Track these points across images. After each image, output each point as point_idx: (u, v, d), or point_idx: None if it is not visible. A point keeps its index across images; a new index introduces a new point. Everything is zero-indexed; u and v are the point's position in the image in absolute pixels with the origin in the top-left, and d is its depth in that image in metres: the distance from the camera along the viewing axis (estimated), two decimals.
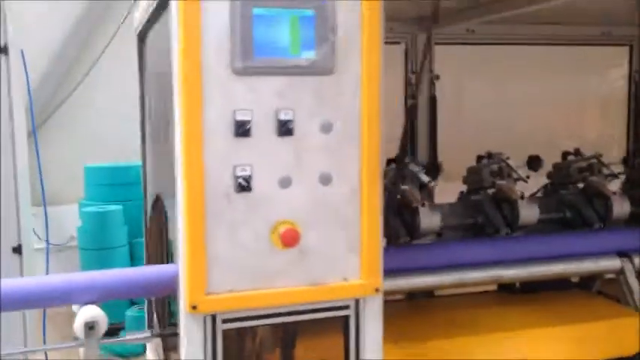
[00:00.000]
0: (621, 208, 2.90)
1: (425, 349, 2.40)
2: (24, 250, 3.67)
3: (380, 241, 1.94)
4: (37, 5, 5.73)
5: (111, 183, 6.23)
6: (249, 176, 1.78)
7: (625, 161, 3.02)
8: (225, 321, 1.84)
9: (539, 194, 3.22)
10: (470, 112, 3.83)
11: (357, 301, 1.95)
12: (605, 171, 2.96)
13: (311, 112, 1.83)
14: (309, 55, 1.81)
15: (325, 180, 1.86)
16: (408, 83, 3.53)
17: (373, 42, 1.85)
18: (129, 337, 2.26)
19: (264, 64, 1.77)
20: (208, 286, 1.78)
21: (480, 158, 3.06)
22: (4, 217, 3.59)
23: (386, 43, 3.69)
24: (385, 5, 3.05)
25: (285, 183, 1.83)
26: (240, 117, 1.75)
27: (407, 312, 2.95)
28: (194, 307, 1.77)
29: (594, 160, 2.98)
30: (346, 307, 1.95)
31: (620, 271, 2.86)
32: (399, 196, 2.71)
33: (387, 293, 2.34)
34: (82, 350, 2.09)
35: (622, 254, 2.87)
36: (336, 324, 1.97)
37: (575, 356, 2.55)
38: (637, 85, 3.96)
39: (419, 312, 2.95)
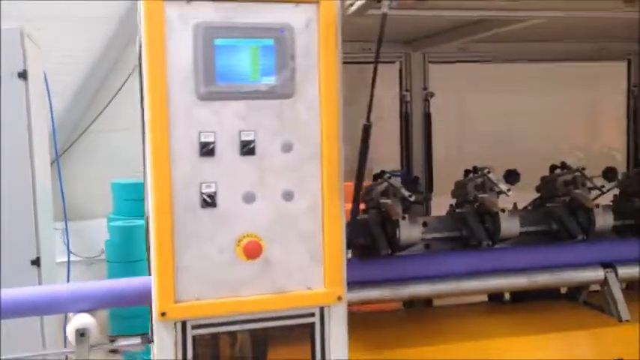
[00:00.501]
0: (604, 220, 2.94)
1: (406, 355, 2.48)
2: (42, 262, 3.89)
3: (342, 252, 2.05)
4: (64, 29, 6.02)
5: (137, 198, 6.45)
6: (214, 193, 1.92)
7: (605, 175, 3.04)
8: (195, 327, 1.98)
9: (530, 207, 3.29)
10: (466, 129, 3.92)
11: (321, 309, 2.07)
12: (589, 184, 3.00)
13: (272, 133, 1.97)
14: (269, 81, 1.94)
15: (287, 196, 1.99)
16: (402, 101, 3.66)
17: (330, 67, 1.98)
18: (121, 343, 2.42)
19: (226, 89, 1.91)
20: (177, 295, 1.92)
21: (467, 172, 3.14)
22: (27, 232, 3.82)
23: (381, 62, 3.84)
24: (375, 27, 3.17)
25: (249, 199, 1.96)
26: (204, 138, 1.90)
27: (397, 320, 3.04)
28: (163, 314, 1.91)
29: (578, 174, 3.03)
30: (311, 315, 2.07)
31: (604, 282, 2.90)
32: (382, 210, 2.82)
33: (352, 304, 2.48)
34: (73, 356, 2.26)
35: (606, 265, 2.92)
36: (304, 331, 2.09)
37: None
38: (635, 99, 3.98)
39: (409, 321, 3.04)
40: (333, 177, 2.00)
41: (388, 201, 2.80)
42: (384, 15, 1.81)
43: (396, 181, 2.81)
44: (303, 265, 2.02)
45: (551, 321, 2.88)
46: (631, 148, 4.03)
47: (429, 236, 3.01)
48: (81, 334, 2.26)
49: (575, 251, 2.96)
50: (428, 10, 2.03)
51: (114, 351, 2.45)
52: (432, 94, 3.64)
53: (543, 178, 3.26)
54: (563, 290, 3.18)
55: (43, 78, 4.23)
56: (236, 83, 1.92)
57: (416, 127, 3.65)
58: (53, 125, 4.39)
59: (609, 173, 2.99)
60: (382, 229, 2.84)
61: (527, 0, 2.31)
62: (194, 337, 1.97)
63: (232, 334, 2.04)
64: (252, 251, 1.94)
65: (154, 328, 1.94)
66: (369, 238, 2.89)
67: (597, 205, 2.96)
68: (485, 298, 3.28)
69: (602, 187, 2.97)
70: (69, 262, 4.38)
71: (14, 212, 3.68)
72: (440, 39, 3.33)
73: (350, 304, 2.61)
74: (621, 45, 3.93)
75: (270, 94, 1.94)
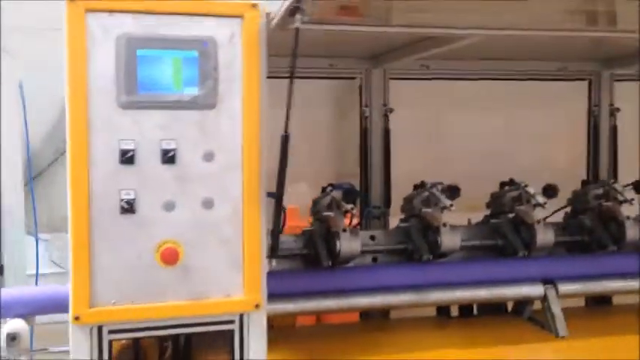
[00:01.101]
0: (545, 236, 2.96)
1: None
2: (12, 272, 4.00)
3: (261, 260, 2.08)
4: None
5: None
6: (133, 200, 1.95)
7: (545, 191, 3.05)
8: (111, 332, 2.01)
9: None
10: (425, 145, 3.95)
11: (241, 316, 2.10)
12: (540, 200, 3.02)
13: (194, 143, 2.00)
14: (191, 92, 1.98)
15: (208, 204, 2.02)
16: (362, 116, 3.69)
17: (253, 80, 2.01)
18: (53, 349, 2.45)
19: (148, 99, 1.95)
20: (92, 299, 1.95)
21: (415, 187, 3.17)
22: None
23: (341, 78, 3.86)
24: (334, 43, 3.19)
25: (169, 206, 1.99)
26: (124, 146, 1.93)
27: (343, 332, 3.05)
28: (77, 318, 1.94)
29: (522, 191, 3.06)
30: (231, 322, 2.10)
31: (544, 298, 2.91)
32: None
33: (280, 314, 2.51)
34: None
35: (547, 281, 2.94)
36: (225, 337, 2.12)
37: None
38: (595, 119, 4.01)
39: (352, 333, 3.05)
40: (253, 186, 2.03)
41: (331, 213, 2.83)
42: (297, 30, 1.84)
43: (338, 194, 2.84)
44: (222, 273, 2.04)
45: (488, 336, 2.89)
46: (591, 167, 4.07)
47: (375, 249, 3.06)
48: (12, 338, 2.29)
49: (516, 267, 2.98)
50: (341, 26, 2.06)
51: None
52: (390, 110, 3.68)
53: (493, 195, 3.29)
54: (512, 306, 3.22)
55: (19, 89, 4.30)
56: (158, 93, 1.95)
57: (375, 143, 3.69)
58: (27, 135, 4.43)
59: (549, 190, 3.00)
60: (324, 241, 2.87)
61: (454, 17, 2.36)
62: (110, 342, 2.00)
63: (154, 339, 2.07)
64: (170, 257, 1.97)
65: (70, 332, 1.97)
66: (313, 250, 2.92)
67: (539, 222, 2.99)
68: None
69: (545, 203, 2.99)
70: (37, 272, 4.44)
71: None
72: (396, 55, 3.37)
73: (281, 315, 2.67)
74: (582, 64, 3.97)
75: (192, 104, 1.98)
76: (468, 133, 3.94)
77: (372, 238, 3.07)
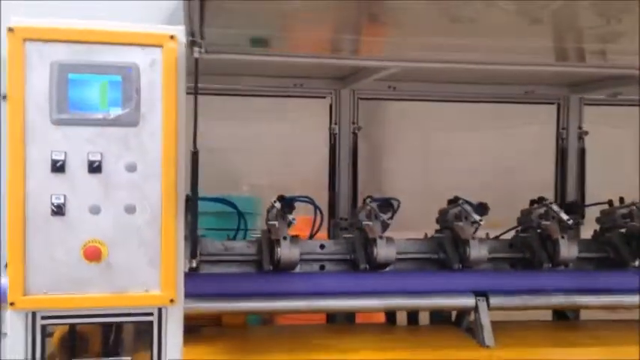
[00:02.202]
0: (479, 252, 3.11)
1: None
2: None
3: (177, 260, 2.32)
4: None
5: None
6: (63, 203, 2.23)
7: (476, 209, 3.19)
8: (44, 318, 2.28)
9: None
10: (391, 162, 4.15)
11: (159, 310, 2.34)
12: (475, 217, 3.17)
13: (118, 155, 2.26)
14: (115, 111, 2.25)
15: (130, 209, 2.28)
16: (331, 134, 3.92)
17: (171, 101, 2.27)
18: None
19: (77, 117, 2.22)
20: (27, 288, 2.22)
21: (363, 201, 3.38)
22: None
23: (312, 97, 4.11)
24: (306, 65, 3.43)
25: (95, 210, 2.26)
26: (55, 157, 2.21)
27: (286, 333, 3.27)
28: (12, 304, 2.22)
29: (462, 208, 3.22)
30: (150, 314, 2.35)
31: (475, 309, 3.06)
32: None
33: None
34: None
35: (479, 293, 3.08)
36: (146, 328, 2.37)
37: None
38: (563, 141, 4.12)
39: (298, 334, 3.25)
40: (170, 194, 2.28)
41: (275, 223, 3.06)
42: (196, 60, 2.09)
43: (277, 204, 3.07)
44: (141, 270, 2.29)
45: (415, 342, 3.06)
46: (559, 188, 4.17)
47: (321, 257, 3.26)
48: None
49: (451, 279, 3.14)
50: (244, 56, 2.30)
51: None
52: (359, 128, 3.90)
53: (440, 211, 3.45)
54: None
55: None
56: (86, 112, 2.23)
57: (343, 159, 3.91)
58: None
59: (480, 208, 3.15)
60: (268, 248, 3.10)
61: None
62: (43, 327, 2.28)
63: (83, 327, 2.34)
64: (93, 255, 2.23)
65: (7, 316, 2.25)
66: (260, 256, 3.16)
67: (474, 238, 3.14)
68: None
69: (481, 220, 3.15)
70: None
71: None
72: (359, 76, 3.60)
73: (208, 312, 2.91)
74: (550, 89, 4.10)
75: (116, 122, 2.25)
76: (429, 151, 4.13)
77: (322, 247, 3.29)
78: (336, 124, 3.88)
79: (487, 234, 3.45)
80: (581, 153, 4.11)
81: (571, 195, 4.12)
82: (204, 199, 2.98)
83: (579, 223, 3.90)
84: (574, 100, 4.12)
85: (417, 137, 4.11)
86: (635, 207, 3.43)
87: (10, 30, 2.17)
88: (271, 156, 4.03)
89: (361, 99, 3.92)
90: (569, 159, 4.12)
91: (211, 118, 3.90)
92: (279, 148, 4.01)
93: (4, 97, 4.02)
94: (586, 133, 4.12)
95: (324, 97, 3.91)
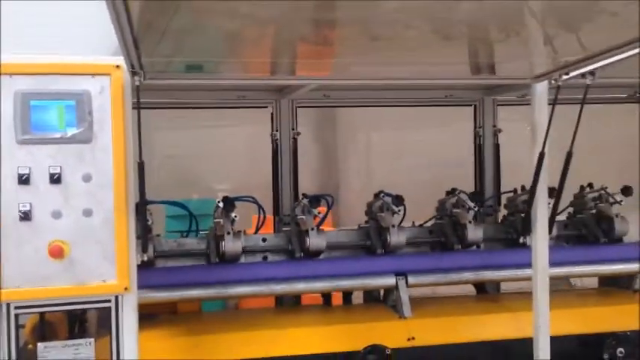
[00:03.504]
0: (398, 238, 3.54)
1: (199, 340, 3.11)
2: None
3: (129, 254, 2.69)
4: None
5: None
6: (29, 210, 2.58)
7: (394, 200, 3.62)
8: (17, 307, 2.64)
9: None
10: (329, 163, 4.56)
11: (116, 297, 2.71)
12: (395, 209, 3.60)
13: (75, 168, 2.62)
14: (72, 131, 2.61)
15: (87, 213, 2.64)
16: (273, 139, 4.31)
17: (119, 121, 2.64)
18: None
19: (39, 136, 2.58)
20: (1, 283, 2.58)
21: (301, 198, 3.78)
22: None
23: (256, 107, 4.49)
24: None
25: (57, 215, 2.62)
26: (21, 171, 2.57)
27: (238, 316, 3.67)
28: None
29: (382, 201, 3.64)
30: (108, 301, 2.72)
31: (396, 287, 3.48)
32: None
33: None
34: None
35: (399, 274, 3.50)
36: (106, 314, 2.74)
37: (337, 348, 3.19)
38: (480, 138, 4.57)
39: (247, 316, 3.65)
40: (121, 200, 2.65)
41: (220, 220, 3.45)
42: (137, 87, 2.47)
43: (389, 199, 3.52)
44: (99, 264, 2.66)
45: (346, 317, 3.48)
46: (477, 179, 4.62)
47: (264, 248, 3.66)
48: None
49: (375, 262, 3.56)
50: (173, 80, 2.68)
51: None
52: (298, 133, 4.29)
53: (368, 204, 3.87)
54: None
55: None
56: (46, 132, 2.59)
57: (285, 161, 4.30)
58: None
59: (397, 200, 3.57)
60: (215, 243, 3.48)
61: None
62: (16, 316, 2.63)
63: (53, 314, 2.70)
64: (56, 253, 2.59)
65: None
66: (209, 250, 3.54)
67: (393, 225, 3.57)
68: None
69: (399, 210, 3.57)
70: None
71: None
72: (294, 88, 3.99)
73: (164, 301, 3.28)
74: (468, 93, 4.54)
75: (72, 140, 2.61)
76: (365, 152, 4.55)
77: (264, 240, 3.68)
78: (277, 130, 4.26)
79: (413, 222, 3.88)
80: (496, 148, 4.56)
81: (488, 185, 4.58)
82: (155, 202, 3.36)
83: (496, 210, 4.38)
84: (488, 101, 4.56)
85: (363, 139, 4.52)
86: (604, 192, 3.86)
87: None
88: (224, 161, 4.41)
89: (299, 107, 4.32)
90: (485, 153, 4.58)
91: (166, 128, 4.28)
92: (228, 154, 4.39)
93: None
94: (500, 130, 4.57)
95: (266, 107, 4.30)
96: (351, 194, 4.22)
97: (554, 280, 3.65)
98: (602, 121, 4.88)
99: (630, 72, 3.42)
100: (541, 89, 3.06)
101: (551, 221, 3.12)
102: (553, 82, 2.86)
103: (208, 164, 4.52)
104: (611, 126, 5.30)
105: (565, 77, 2.77)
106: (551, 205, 3.05)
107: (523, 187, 3.94)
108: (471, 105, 4.61)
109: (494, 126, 4.57)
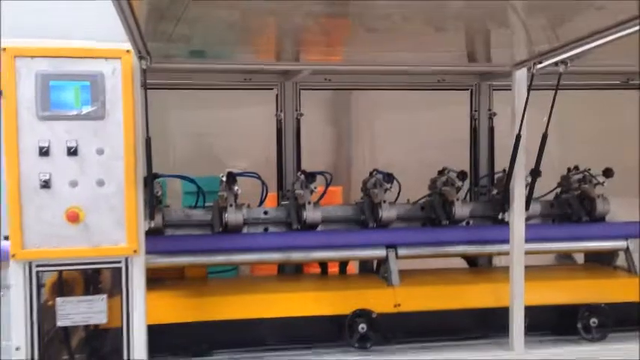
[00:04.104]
0: (389, 213, 3.78)
1: (203, 301, 3.40)
2: None
3: (138, 221, 2.96)
4: None
5: None
6: (49, 179, 2.87)
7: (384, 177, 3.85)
8: (38, 266, 2.93)
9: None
10: (328, 145, 4.81)
11: (126, 259, 3.00)
12: (386, 185, 3.83)
13: (89, 142, 2.90)
14: (87, 109, 2.89)
15: (100, 183, 2.92)
16: (277, 119, 4.55)
17: (129, 99, 2.91)
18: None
19: (57, 113, 2.86)
20: (24, 243, 2.87)
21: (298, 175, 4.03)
22: None
23: (263, 89, 4.74)
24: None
25: (74, 184, 2.90)
26: (41, 144, 2.85)
27: (244, 282, 3.96)
28: (13, 256, 2.87)
29: (375, 179, 3.88)
30: (119, 262, 3.00)
31: (386, 259, 3.72)
32: None
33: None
34: None
35: (389, 246, 3.74)
36: (118, 273, 3.03)
37: (329, 312, 3.46)
38: (476, 122, 4.77)
39: (252, 282, 3.93)
40: (130, 172, 2.93)
41: (224, 193, 3.71)
42: (144, 70, 2.73)
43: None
44: (111, 229, 2.94)
45: (340, 284, 3.75)
46: (472, 160, 4.83)
47: (265, 220, 3.91)
48: None
49: (367, 235, 3.80)
50: (184, 64, 2.94)
51: None
52: (301, 115, 4.53)
53: (363, 181, 4.11)
54: None
55: None
56: (64, 110, 2.87)
57: (288, 140, 4.55)
58: None
59: (388, 177, 3.81)
60: (219, 214, 3.75)
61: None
62: (37, 273, 2.93)
63: (73, 272, 3.01)
64: (72, 218, 2.88)
65: (10, 269, 2.91)
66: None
67: (385, 201, 3.80)
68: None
69: (391, 187, 3.81)
70: None
71: None
72: (297, 72, 4.22)
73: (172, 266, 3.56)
74: (465, 78, 4.73)
75: (87, 116, 2.88)
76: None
77: (265, 212, 3.94)
78: (281, 111, 4.51)
79: (408, 200, 4.12)
80: (491, 131, 4.76)
81: (483, 165, 4.79)
82: (164, 175, 3.64)
83: (490, 190, 4.59)
84: (484, 86, 4.75)
85: (375, 121, 4.76)
86: (587, 173, 4.08)
87: (3, 49, 2.80)
88: (240, 140, 4.68)
89: (302, 89, 4.56)
90: (480, 136, 4.78)
91: (186, 108, 4.55)
92: (231, 133, 4.67)
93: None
94: (494, 114, 4.76)
95: (272, 89, 4.54)
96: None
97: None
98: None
99: (619, 59, 3.63)
100: (520, 76, 3.26)
101: (528, 198, 3.34)
102: (529, 70, 3.07)
103: (224, 143, 4.79)
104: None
105: (539, 66, 2.97)
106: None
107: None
108: (467, 89, 4.82)
109: (490, 110, 4.76)
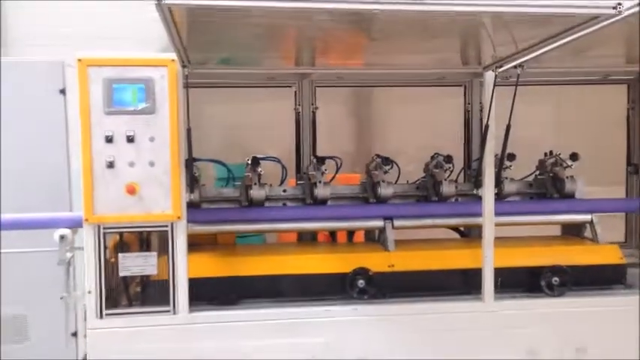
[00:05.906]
0: (386, 190, 4.49)
1: (232, 260, 4.17)
2: None
3: (180, 194, 3.74)
4: None
5: None
6: (113, 161, 3.66)
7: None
8: (105, 229, 3.74)
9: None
10: (345, 135, 5.53)
11: (172, 224, 3.79)
12: (385, 168, 4.55)
13: (143, 132, 3.69)
14: (141, 105, 3.67)
15: (152, 164, 3.71)
16: (296, 112, 5.28)
17: (174, 99, 3.68)
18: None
19: (119, 109, 3.65)
20: (94, 210, 3.68)
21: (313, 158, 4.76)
22: None
23: (282, 87, 5.50)
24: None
25: (132, 165, 3.69)
26: (107, 134, 3.65)
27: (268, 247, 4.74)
28: (86, 220, 3.68)
29: (376, 161, 4.59)
30: (166, 227, 3.79)
31: (383, 229, 4.44)
32: None
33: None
34: None
35: (387, 218, 4.46)
36: (165, 236, 3.81)
37: (334, 270, 4.19)
38: (469, 114, 5.43)
39: (273, 247, 4.70)
40: (175, 155, 3.70)
41: (249, 174, 4.46)
42: (186, 75, 3.50)
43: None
44: (160, 200, 3.73)
45: (347, 250, 4.48)
46: (466, 148, 5.50)
47: (285, 197, 4.65)
48: (61, 237, 4.05)
49: (368, 209, 4.52)
50: (211, 70, 3.72)
51: None
52: (316, 108, 5.27)
53: (366, 165, 4.82)
54: None
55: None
56: (124, 106, 3.66)
57: (305, 131, 5.28)
58: None
59: (387, 160, 4.51)
60: (245, 191, 4.51)
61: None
62: (104, 234, 3.74)
63: (131, 234, 3.82)
64: (131, 190, 3.67)
65: (83, 229, 3.71)
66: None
67: (384, 181, 4.52)
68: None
69: (390, 168, 4.52)
70: None
71: None
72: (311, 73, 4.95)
73: (205, 233, 4.33)
74: (459, 76, 5.40)
75: (142, 112, 3.67)
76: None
77: (284, 191, 4.68)
78: (299, 105, 5.24)
79: (407, 181, 4.82)
80: (481, 122, 5.39)
81: (475, 152, 5.45)
82: (201, 159, 4.40)
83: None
84: (476, 82, 5.41)
85: (393, 113, 5.48)
86: (558, 158, 4.69)
87: (79, 60, 3.59)
88: (269, 131, 5.43)
89: (318, 86, 5.29)
90: (473, 126, 5.44)
91: (213, 103, 5.32)
92: (258, 125, 5.42)
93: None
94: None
95: (291, 87, 5.28)
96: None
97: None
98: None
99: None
100: (489, 76, 3.95)
101: (497, 177, 4.03)
102: (493, 71, 3.75)
103: (250, 134, 5.53)
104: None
105: (500, 70, 3.65)
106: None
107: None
108: (461, 85, 5.49)
109: (480, 103, 5.41)
